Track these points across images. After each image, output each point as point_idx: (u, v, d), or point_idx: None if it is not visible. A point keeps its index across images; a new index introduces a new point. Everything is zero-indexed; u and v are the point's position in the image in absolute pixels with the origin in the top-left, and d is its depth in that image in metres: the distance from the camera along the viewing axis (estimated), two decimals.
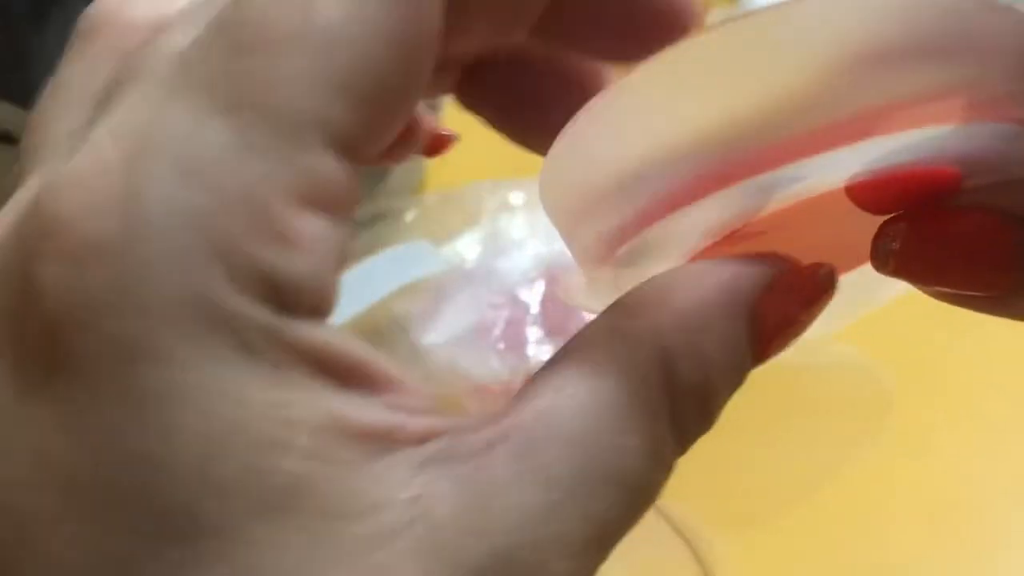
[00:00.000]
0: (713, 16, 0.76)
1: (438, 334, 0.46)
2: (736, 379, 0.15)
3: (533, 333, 0.47)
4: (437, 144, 0.18)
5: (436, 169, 0.61)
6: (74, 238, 0.12)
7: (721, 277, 0.14)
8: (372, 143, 0.13)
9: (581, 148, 0.15)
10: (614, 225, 0.15)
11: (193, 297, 0.12)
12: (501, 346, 0.46)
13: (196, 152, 0.12)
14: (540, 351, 0.46)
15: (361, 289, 0.45)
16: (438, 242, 0.50)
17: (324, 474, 0.12)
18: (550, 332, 0.47)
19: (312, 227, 0.12)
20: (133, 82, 0.13)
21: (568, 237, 0.16)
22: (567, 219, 0.16)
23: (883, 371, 0.46)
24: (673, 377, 0.14)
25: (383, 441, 0.12)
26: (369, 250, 0.47)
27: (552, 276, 0.47)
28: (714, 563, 0.39)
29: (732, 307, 0.14)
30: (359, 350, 0.13)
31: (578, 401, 0.13)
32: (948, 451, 0.43)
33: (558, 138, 0.15)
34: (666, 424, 0.14)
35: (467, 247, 0.50)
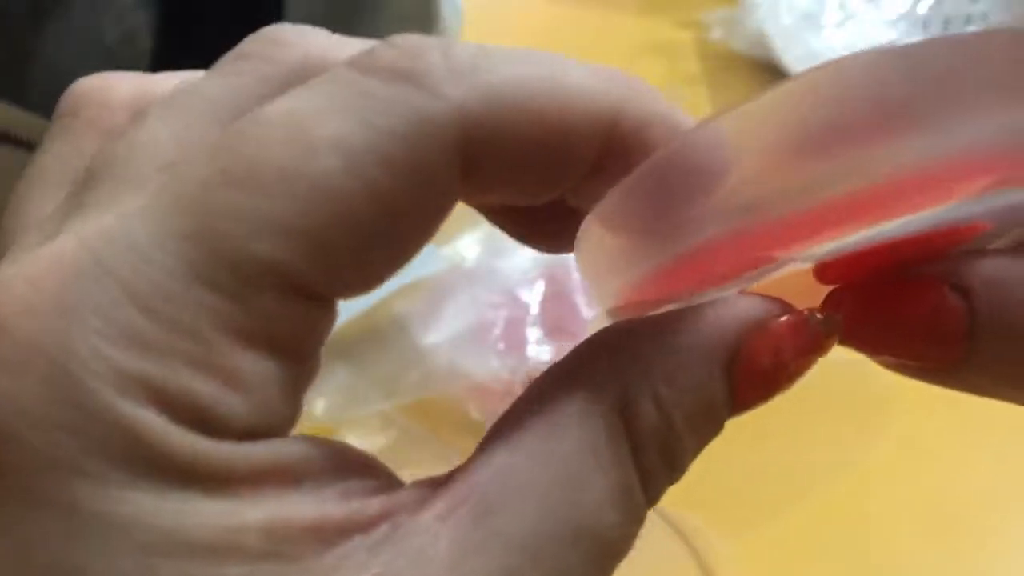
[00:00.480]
0: (713, 16, 0.76)
1: (438, 334, 0.46)
2: (708, 427, 0.14)
3: (533, 333, 0.47)
4: None
5: None
6: (14, 345, 0.12)
7: (696, 319, 0.14)
8: (345, 289, 0.13)
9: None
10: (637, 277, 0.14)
11: (124, 421, 0.12)
12: (501, 346, 0.46)
13: (148, 277, 0.12)
14: (540, 351, 0.46)
15: None
16: (438, 242, 0.50)
17: (276, 572, 0.12)
18: (550, 332, 0.47)
19: (254, 366, 0.12)
20: (109, 182, 0.13)
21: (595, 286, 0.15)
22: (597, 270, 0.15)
23: (883, 371, 0.46)
24: (638, 428, 0.13)
25: (336, 531, 0.12)
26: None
27: (552, 276, 0.47)
28: (714, 564, 0.39)
29: (707, 351, 0.14)
30: (311, 449, 0.13)
31: (534, 457, 0.13)
32: (947, 451, 0.43)
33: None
34: (631, 472, 0.13)
35: (467, 247, 0.50)
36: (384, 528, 0.13)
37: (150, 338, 0.12)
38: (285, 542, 0.12)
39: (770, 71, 0.69)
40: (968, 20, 0.69)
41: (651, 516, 0.47)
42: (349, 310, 0.45)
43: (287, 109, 0.12)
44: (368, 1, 0.51)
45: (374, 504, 0.13)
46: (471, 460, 0.13)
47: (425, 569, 0.12)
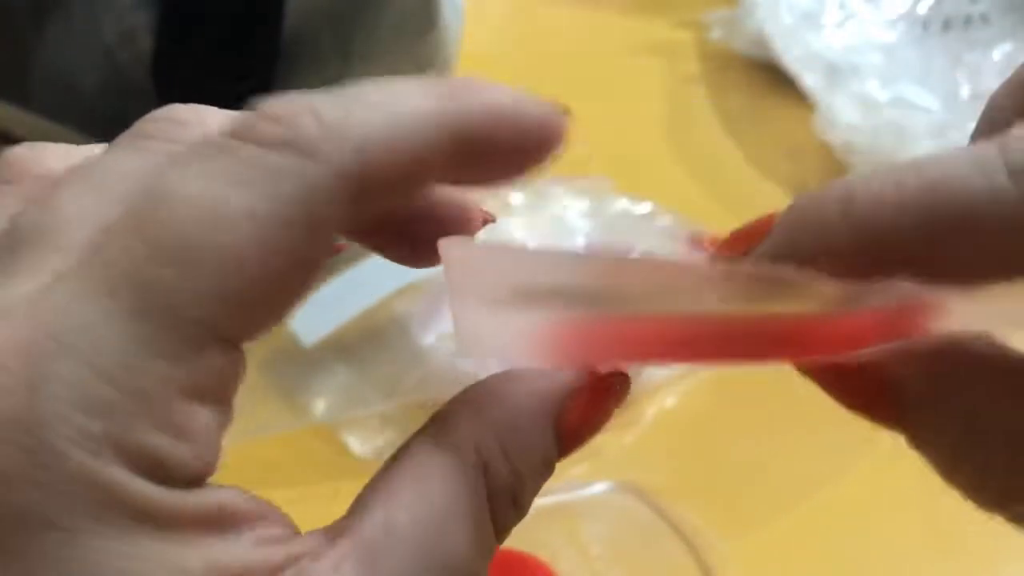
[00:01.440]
0: (713, 16, 0.76)
1: (438, 334, 0.46)
2: (545, 472, 0.17)
3: None
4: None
5: None
6: None
7: (531, 387, 0.17)
8: (258, 333, 0.15)
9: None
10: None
11: (90, 476, 0.13)
12: None
13: (105, 351, 0.14)
14: None
15: (361, 289, 0.45)
16: None
17: None
18: None
19: (199, 418, 0.14)
20: (37, 249, 0.15)
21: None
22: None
23: None
24: (491, 479, 0.16)
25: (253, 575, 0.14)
26: (370, 250, 0.47)
27: None
28: (715, 564, 0.39)
29: (541, 413, 0.17)
30: (231, 497, 0.15)
31: (412, 511, 0.15)
32: None
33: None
34: (487, 518, 0.16)
35: None
36: (289, 574, 0.15)
37: (113, 403, 0.13)
38: None
39: (770, 71, 0.69)
40: (968, 20, 0.69)
41: (652, 516, 0.47)
42: (350, 310, 0.45)
43: (200, 188, 0.14)
44: (369, 1, 0.51)
45: (281, 552, 0.15)
46: (356, 512, 0.16)
47: None
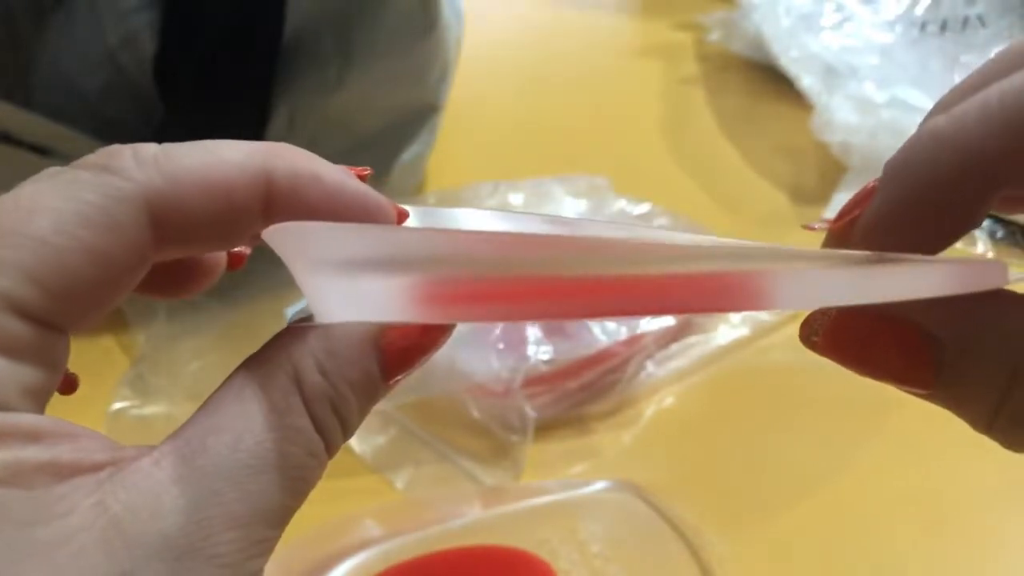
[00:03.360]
0: (711, 18, 0.76)
1: None
2: (369, 387, 0.19)
3: (532, 333, 0.47)
4: (234, 260, 0.22)
5: (436, 170, 0.61)
6: None
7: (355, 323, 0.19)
8: (71, 320, 0.17)
9: None
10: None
11: None
12: (501, 346, 0.46)
13: None
14: (539, 351, 0.46)
15: None
16: None
17: (16, 496, 0.16)
18: (549, 332, 0.47)
19: None
20: None
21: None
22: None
23: None
24: (306, 388, 0.18)
25: (67, 470, 0.16)
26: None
27: None
28: (713, 562, 0.40)
29: (360, 335, 0.19)
30: (44, 421, 0.17)
31: (227, 416, 0.17)
32: (948, 451, 0.44)
33: None
34: (304, 418, 0.18)
35: None
36: (110, 469, 0.17)
37: None
38: (20, 476, 0.16)
39: (768, 72, 0.69)
40: (965, 22, 0.69)
41: (650, 515, 0.47)
42: None
43: (29, 192, 0.17)
44: (369, 1, 0.51)
45: (101, 454, 0.17)
46: (182, 425, 0.18)
47: (141, 497, 0.16)
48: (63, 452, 0.16)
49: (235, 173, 0.18)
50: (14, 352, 0.17)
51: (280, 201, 0.19)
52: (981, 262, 0.18)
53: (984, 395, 0.18)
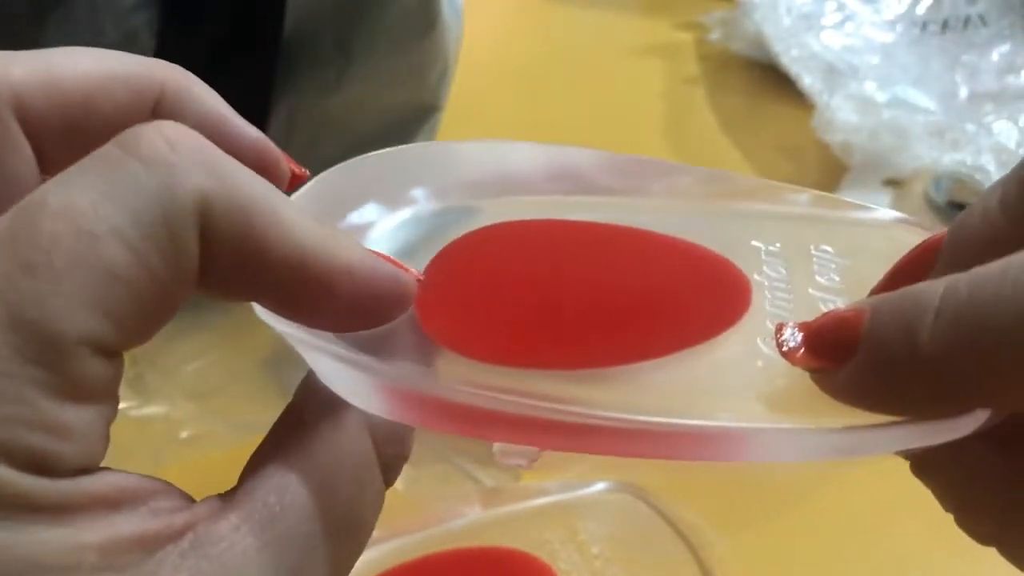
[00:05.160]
0: (712, 18, 0.76)
1: None
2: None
3: None
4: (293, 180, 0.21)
5: None
6: None
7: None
8: (135, 344, 0.16)
9: None
10: None
11: None
12: None
13: None
14: None
15: None
16: None
17: None
18: None
19: (76, 417, 0.15)
20: None
21: None
22: None
23: None
24: (378, 447, 0.18)
25: (153, 542, 0.16)
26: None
27: None
28: (713, 562, 0.40)
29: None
30: (122, 478, 0.16)
31: (302, 473, 0.17)
32: None
33: None
34: (375, 473, 0.18)
35: None
36: (189, 537, 0.16)
37: None
38: (116, 555, 0.15)
39: (769, 72, 0.69)
40: (966, 22, 0.69)
41: (650, 515, 0.47)
42: None
43: (67, 202, 0.15)
44: (369, 1, 0.51)
45: (179, 518, 0.16)
46: (249, 478, 0.17)
47: (225, 569, 0.16)
48: (146, 521, 0.16)
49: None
50: (98, 395, 0.16)
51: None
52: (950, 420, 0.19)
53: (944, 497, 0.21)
